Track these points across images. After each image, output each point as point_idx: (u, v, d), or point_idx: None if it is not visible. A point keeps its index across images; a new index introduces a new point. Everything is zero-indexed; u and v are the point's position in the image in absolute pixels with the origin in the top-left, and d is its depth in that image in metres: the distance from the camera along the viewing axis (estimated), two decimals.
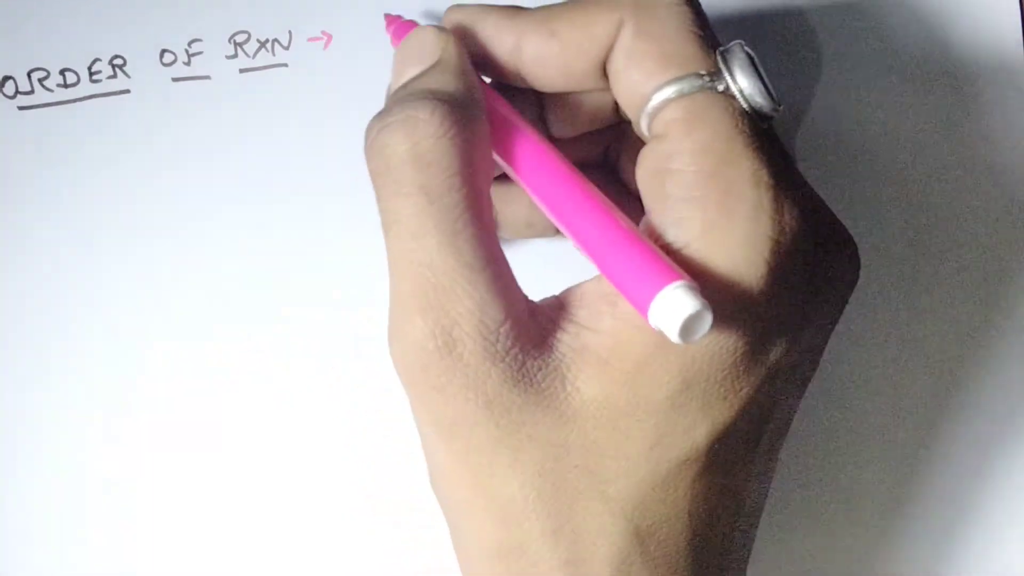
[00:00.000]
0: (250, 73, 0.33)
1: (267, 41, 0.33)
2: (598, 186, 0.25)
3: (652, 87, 0.24)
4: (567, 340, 0.23)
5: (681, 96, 0.24)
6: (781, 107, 0.24)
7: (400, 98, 0.25)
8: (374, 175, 0.24)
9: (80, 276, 0.33)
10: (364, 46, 0.33)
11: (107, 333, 0.33)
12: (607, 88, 0.26)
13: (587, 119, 0.28)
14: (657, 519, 0.24)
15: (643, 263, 0.22)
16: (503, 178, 0.28)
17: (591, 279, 0.24)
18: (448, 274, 0.23)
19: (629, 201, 0.27)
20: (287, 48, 0.33)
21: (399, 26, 0.30)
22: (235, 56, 0.33)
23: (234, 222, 0.33)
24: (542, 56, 0.26)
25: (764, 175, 0.23)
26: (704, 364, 0.23)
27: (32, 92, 0.33)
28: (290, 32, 0.33)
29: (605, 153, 0.30)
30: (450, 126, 0.23)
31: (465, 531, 0.25)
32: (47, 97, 0.33)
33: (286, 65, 0.33)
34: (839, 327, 0.26)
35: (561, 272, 0.26)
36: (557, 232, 0.29)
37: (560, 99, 0.28)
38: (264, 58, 0.33)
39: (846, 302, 0.26)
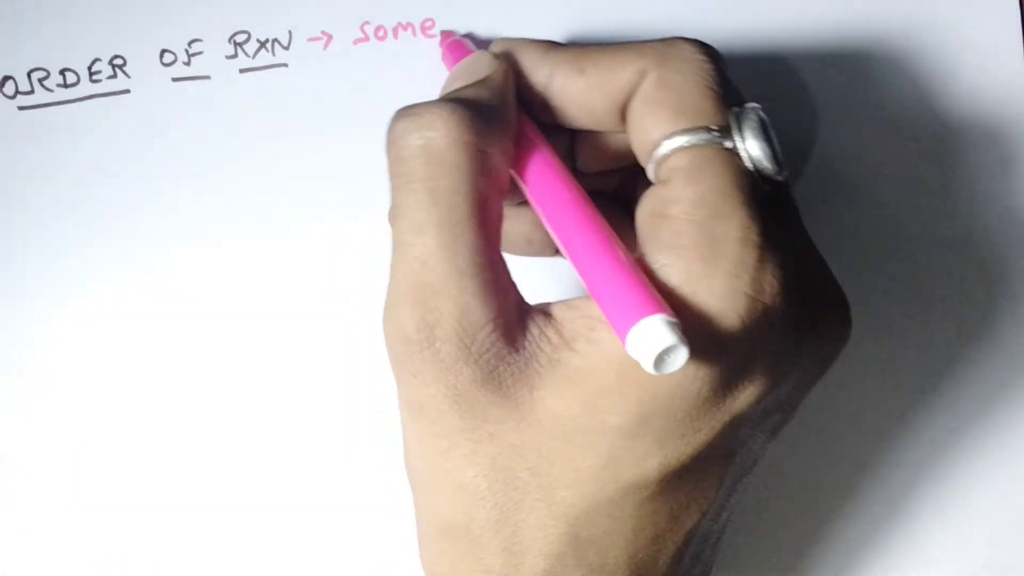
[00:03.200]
0: (250, 73, 0.33)
1: (267, 41, 0.33)
2: (611, 216, 0.26)
3: (662, 134, 0.25)
4: (547, 350, 0.24)
5: (689, 147, 0.25)
6: (786, 173, 0.25)
7: (433, 100, 0.26)
8: (389, 164, 0.25)
9: (80, 276, 0.33)
10: (364, 46, 0.33)
11: (107, 333, 0.33)
12: (624, 130, 0.27)
13: (610, 157, 0.29)
14: (599, 531, 0.25)
15: (630, 291, 0.23)
16: (513, 198, 0.28)
17: (584, 297, 0.25)
18: (440, 274, 0.24)
19: (634, 234, 0.27)
20: (287, 48, 0.33)
21: (451, 44, 0.31)
22: (235, 56, 0.33)
23: (234, 222, 0.33)
24: (568, 91, 0.27)
25: (753, 234, 0.24)
26: (663, 402, 0.24)
27: (32, 92, 0.33)
28: (290, 32, 0.33)
29: (619, 186, 0.31)
30: (466, 131, 0.24)
31: (421, 505, 0.26)
32: (47, 97, 0.33)
33: (286, 65, 0.33)
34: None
35: (558, 291, 0.26)
36: (554, 253, 0.30)
37: (587, 136, 0.29)
38: (264, 58, 0.33)
39: (833, 360, 0.27)
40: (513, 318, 0.25)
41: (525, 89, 0.28)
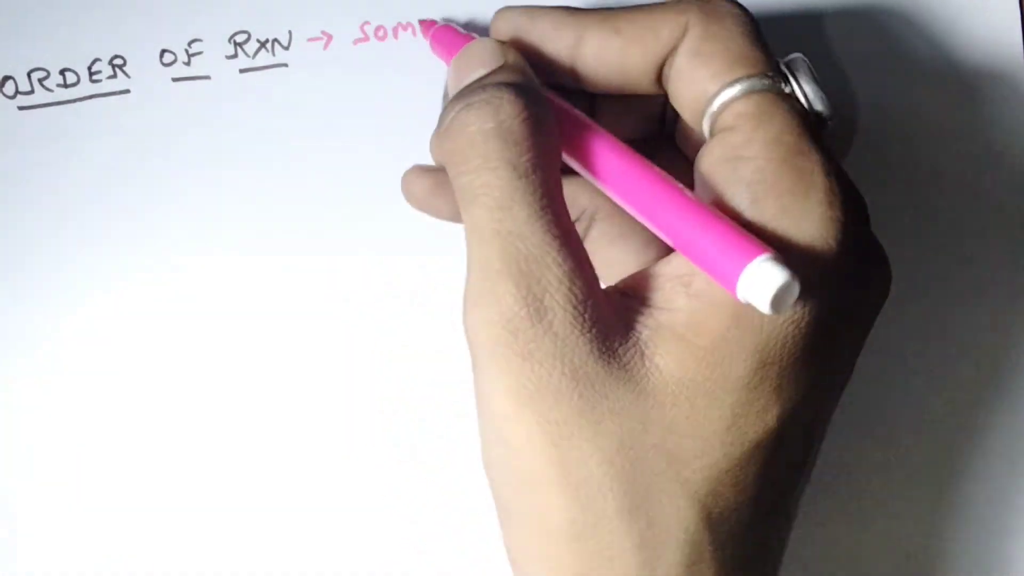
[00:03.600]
0: (250, 73, 0.33)
1: (267, 41, 0.33)
2: None
3: (719, 85, 0.26)
4: (643, 320, 0.24)
5: (751, 92, 0.25)
6: (836, 116, 0.26)
7: (477, 87, 0.26)
8: (453, 152, 0.25)
9: (80, 276, 0.33)
10: (364, 46, 0.33)
11: (107, 333, 0.33)
12: (656, 92, 0.28)
13: (632, 122, 0.29)
14: (728, 506, 0.24)
15: (727, 239, 0.23)
16: None
17: (658, 263, 0.25)
18: (539, 245, 0.23)
19: None
20: (287, 48, 0.33)
21: (439, 31, 0.31)
22: (235, 56, 0.33)
23: (234, 222, 0.33)
24: (602, 53, 0.27)
25: (831, 166, 0.25)
26: (779, 345, 0.24)
27: (32, 92, 0.33)
28: (290, 32, 0.33)
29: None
30: (537, 109, 0.25)
31: (530, 509, 0.24)
32: (47, 97, 0.33)
33: (286, 65, 0.33)
34: None
35: None
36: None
37: (609, 101, 0.29)
38: (264, 58, 0.33)
39: (878, 311, 0.27)
40: (600, 291, 0.24)
41: (543, 60, 0.28)
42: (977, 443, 0.34)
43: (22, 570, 0.33)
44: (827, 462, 0.34)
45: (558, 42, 0.27)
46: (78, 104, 0.33)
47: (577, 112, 0.27)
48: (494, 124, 0.24)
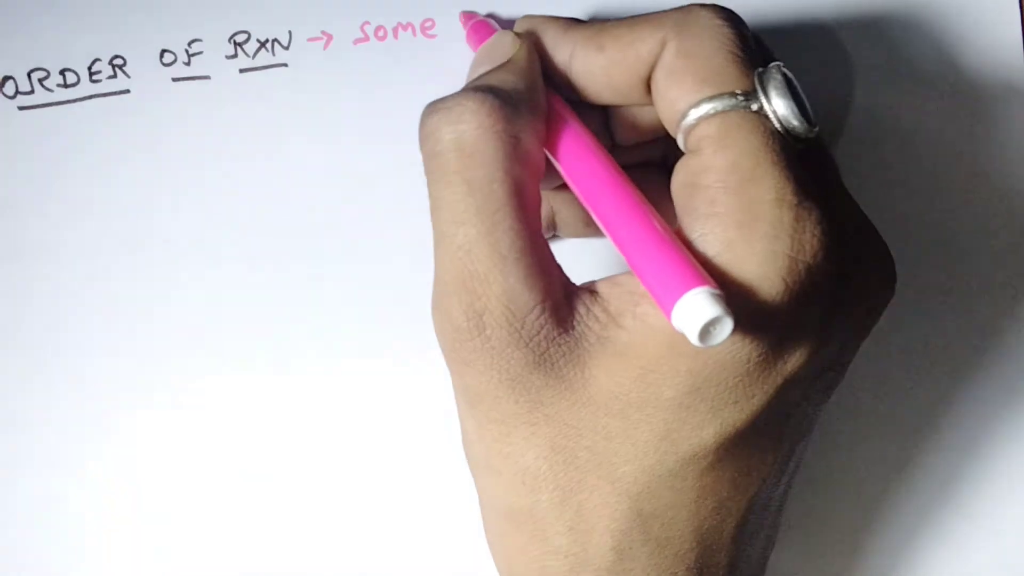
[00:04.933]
0: (250, 73, 0.33)
1: (267, 41, 0.33)
2: (656, 187, 0.26)
3: (688, 104, 0.25)
4: (595, 329, 0.25)
5: (715, 114, 0.25)
6: (817, 128, 0.25)
7: (460, 90, 0.26)
8: (424, 158, 0.26)
9: (80, 276, 0.33)
10: (364, 46, 0.33)
11: (107, 334, 0.33)
12: (652, 102, 0.27)
13: (645, 129, 0.29)
14: (662, 504, 0.25)
15: (671, 265, 0.23)
16: (555, 180, 0.29)
17: (626, 273, 0.25)
18: (483, 262, 0.24)
19: None
20: (287, 48, 0.33)
21: (474, 25, 0.31)
22: (235, 56, 0.33)
23: (234, 222, 0.33)
24: (589, 69, 0.27)
25: (788, 193, 0.24)
26: (714, 371, 0.24)
27: (32, 92, 0.33)
28: (290, 32, 0.33)
29: (664, 155, 0.31)
30: (497, 120, 0.25)
31: (484, 490, 0.27)
32: (47, 97, 0.33)
33: (286, 65, 0.33)
34: None
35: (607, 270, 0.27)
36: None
37: (620, 110, 0.29)
38: (264, 58, 0.33)
39: (879, 316, 0.26)
40: (560, 299, 0.25)
41: (550, 68, 0.28)
42: (977, 442, 0.34)
43: (23, 569, 0.33)
44: (826, 460, 0.34)
45: (555, 57, 0.28)
46: (78, 104, 0.33)
47: (571, 120, 0.27)
48: (453, 136, 0.25)
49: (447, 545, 0.33)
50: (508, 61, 0.27)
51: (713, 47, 0.25)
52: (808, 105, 0.25)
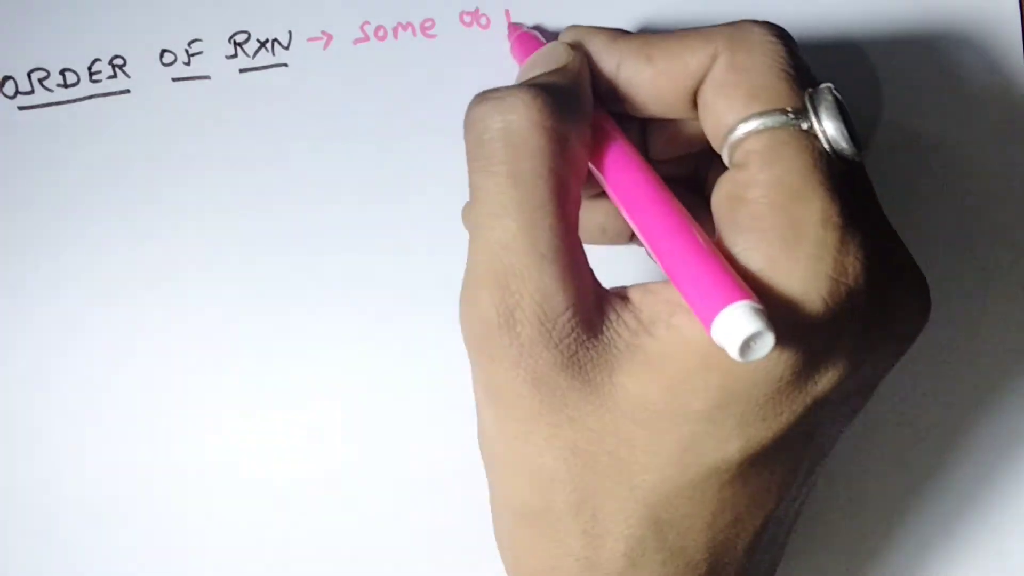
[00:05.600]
0: (250, 73, 0.33)
1: (267, 41, 0.33)
2: (686, 202, 0.26)
3: (737, 118, 0.25)
4: (625, 335, 0.24)
5: (764, 130, 0.25)
6: (864, 152, 0.25)
7: (513, 85, 0.26)
8: (468, 147, 0.25)
9: (80, 276, 0.33)
10: (364, 46, 0.33)
11: (107, 333, 0.33)
12: (694, 118, 0.27)
13: (682, 143, 0.29)
14: (679, 513, 0.25)
15: (713, 278, 0.23)
16: (586, 190, 0.29)
17: (662, 281, 0.25)
18: (521, 258, 0.24)
19: (710, 218, 0.28)
20: (287, 48, 0.33)
21: (520, 36, 0.31)
22: (235, 56, 0.33)
23: (234, 222, 0.33)
24: (637, 81, 0.27)
25: (833, 214, 0.24)
26: (746, 386, 0.24)
27: (32, 92, 0.33)
28: (290, 32, 0.33)
29: (693, 172, 0.31)
30: (548, 115, 0.25)
31: (498, 487, 0.26)
32: (47, 97, 0.33)
33: (286, 65, 0.33)
34: None
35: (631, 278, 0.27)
36: (628, 241, 0.30)
37: (659, 124, 0.29)
38: (264, 58, 0.33)
39: (911, 343, 0.26)
40: (591, 303, 0.25)
41: (595, 78, 0.28)
42: (977, 442, 0.34)
43: (23, 570, 0.33)
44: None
45: (601, 67, 0.27)
46: (78, 104, 0.33)
47: (614, 130, 0.27)
48: (501, 125, 0.25)
49: (452, 542, 0.33)
50: (562, 68, 0.27)
51: (765, 63, 0.25)
52: (855, 128, 0.25)
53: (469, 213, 0.25)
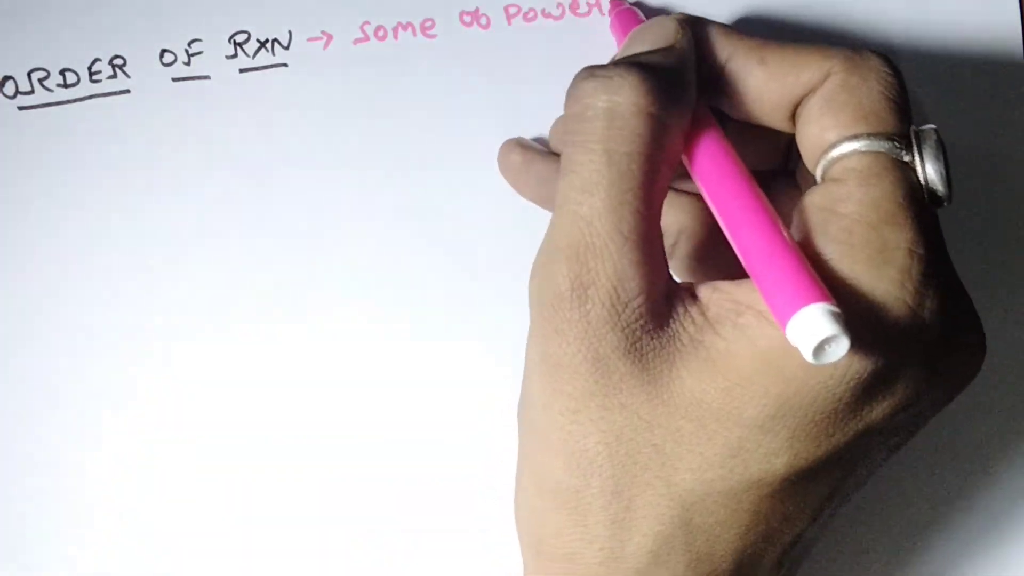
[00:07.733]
0: (250, 73, 0.33)
1: (267, 41, 0.33)
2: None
3: (842, 135, 0.26)
4: (690, 330, 0.25)
5: (868, 152, 0.25)
6: (951, 201, 0.25)
7: (619, 60, 0.26)
8: (568, 120, 0.26)
9: (80, 276, 0.33)
10: (364, 46, 0.33)
11: (108, 333, 0.33)
12: (785, 129, 0.28)
13: (758, 152, 0.29)
14: (713, 520, 0.25)
15: (796, 277, 0.23)
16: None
17: (729, 282, 0.25)
18: (603, 236, 0.24)
19: None
20: (287, 48, 0.33)
21: (620, 13, 0.31)
22: (235, 56, 0.33)
23: (234, 222, 0.33)
24: (745, 79, 0.27)
25: (921, 248, 0.24)
26: (804, 400, 0.24)
27: (32, 92, 0.33)
28: (290, 32, 0.33)
29: None
30: (652, 101, 0.25)
31: (531, 460, 0.26)
32: (47, 97, 0.33)
33: (286, 65, 0.33)
34: None
35: None
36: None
37: (737, 126, 0.29)
38: (264, 58, 0.33)
39: (961, 391, 0.26)
40: (661, 294, 0.25)
41: (699, 67, 0.28)
42: (977, 441, 0.34)
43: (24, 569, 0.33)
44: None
45: (711, 55, 0.27)
46: (78, 104, 0.33)
47: (707, 118, 0.27)
48: (606, 105, 0.25)
49: (452, 542, 0.33)
50: (671, 47, 0.27)
51: (878, 90, 0.26)
52: (952, 175, 0.25)
53: (560, 185, 0.25)
